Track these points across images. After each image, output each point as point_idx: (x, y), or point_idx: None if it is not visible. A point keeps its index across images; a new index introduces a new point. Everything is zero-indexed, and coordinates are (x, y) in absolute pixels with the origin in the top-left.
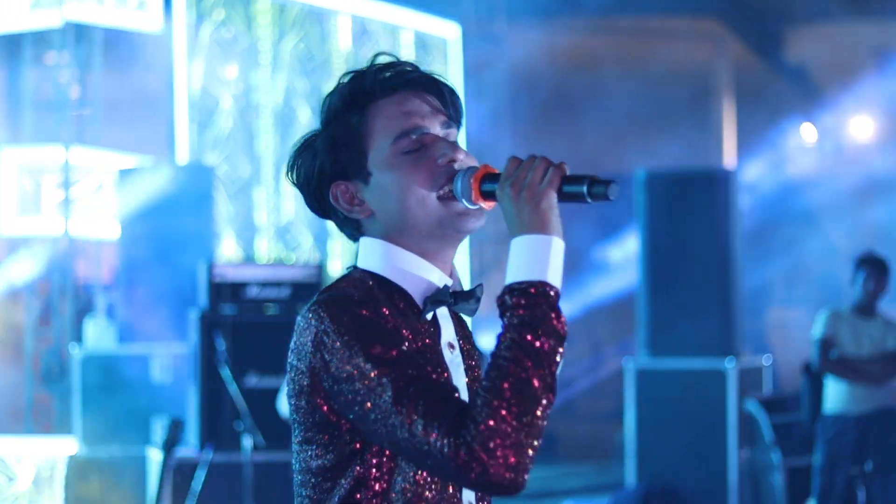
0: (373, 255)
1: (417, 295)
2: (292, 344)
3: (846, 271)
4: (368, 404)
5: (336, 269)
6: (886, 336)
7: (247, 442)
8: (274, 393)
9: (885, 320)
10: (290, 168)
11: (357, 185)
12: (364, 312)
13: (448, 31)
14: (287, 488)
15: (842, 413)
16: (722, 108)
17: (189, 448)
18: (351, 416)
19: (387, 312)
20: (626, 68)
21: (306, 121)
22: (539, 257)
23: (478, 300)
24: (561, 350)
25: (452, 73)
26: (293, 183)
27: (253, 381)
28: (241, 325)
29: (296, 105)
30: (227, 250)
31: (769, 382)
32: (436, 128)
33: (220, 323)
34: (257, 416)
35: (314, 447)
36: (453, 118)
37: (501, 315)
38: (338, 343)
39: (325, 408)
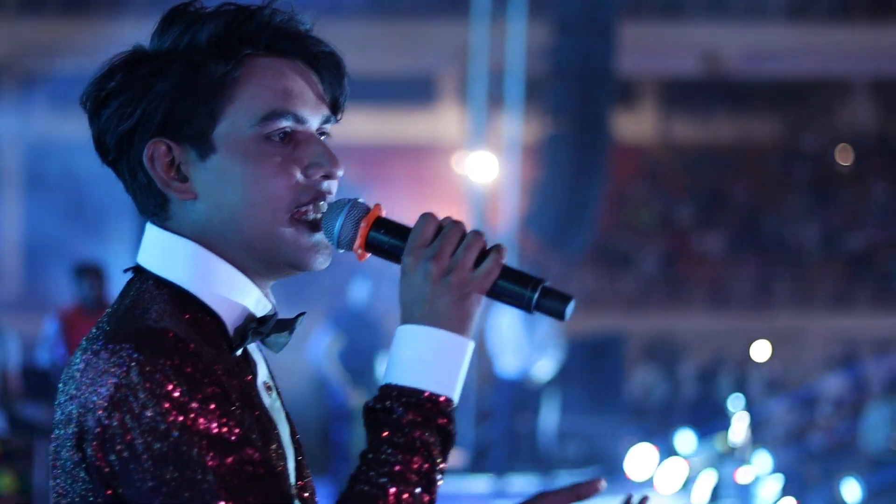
0: (178, 260)
1: (230, 321)
2: (70, 388)
3: None
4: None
5: None
6: None
7: None
8: None
9: None
10: (97, 92)
11: (187, 154)
12: (189, 366)
13: None
14: None
15: None
16: None
17: None
18: None
19: (210, 356)
20: None
21: None
22: (450, 364)
23: (291, 333)
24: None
25: None
26: (89, 110)
27: None
28: None
29: None
30: None
31: None
32: (314, 122)
33: None
34: None
35: None
36: (334, 115)
37: (380, 424)
38: (150, 409)
39: (110, 490)
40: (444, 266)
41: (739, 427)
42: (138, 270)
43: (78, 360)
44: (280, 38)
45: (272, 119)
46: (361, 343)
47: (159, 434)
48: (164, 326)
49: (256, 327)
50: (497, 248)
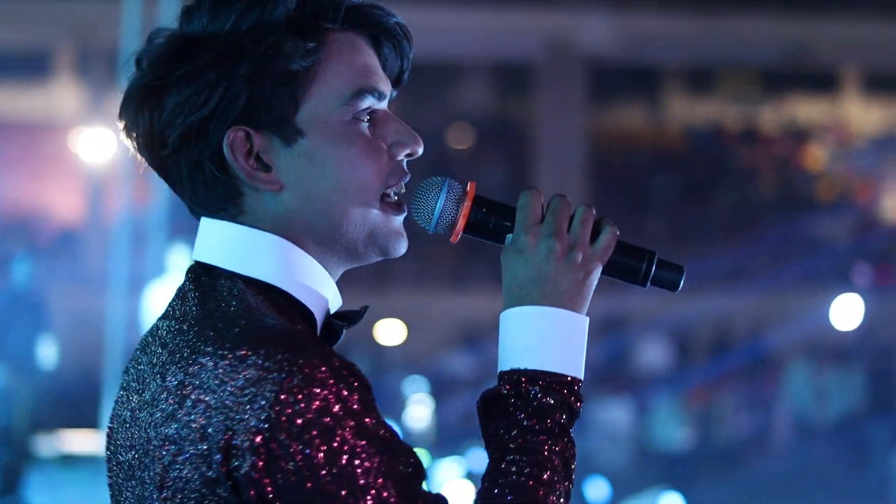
0: (264, 257)
1: (319, 318)
2: (198, 396)
3: None
4: None
5: None
6: None
7: None
8: None
9: None
10: (151, 82)
11: (269, 141)
12: (344, 369)
13: None
14: None
15: None
16: None
17: None
18: None
19: None
20: None
21: None
22: (576, 345)
23: (348, 329)
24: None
25: None
26: (137, 105)
27: None
28: None
29: None
30: None
31: None
32: (385, 100)
33: None
34: None
35: None
36: (395, 89)
37: (516, 410)
38: (322, 417)
39: None
40: (566, 243)
41: (419, 410)
42: (206, 269)
43: (209, 365)
44: (355, 11)
45: (359, 97)
46: (22, 325)
47: (335, 445)
48: (296, 331)
49: (344, 324)
50: (608, 221)
